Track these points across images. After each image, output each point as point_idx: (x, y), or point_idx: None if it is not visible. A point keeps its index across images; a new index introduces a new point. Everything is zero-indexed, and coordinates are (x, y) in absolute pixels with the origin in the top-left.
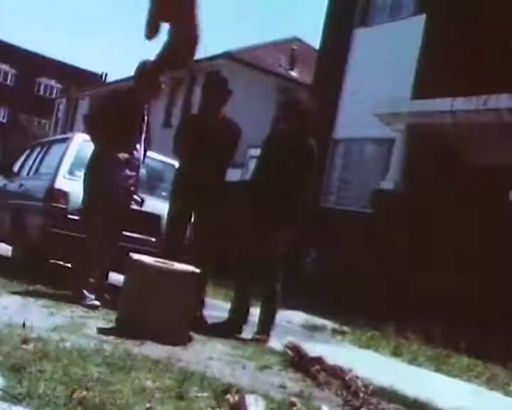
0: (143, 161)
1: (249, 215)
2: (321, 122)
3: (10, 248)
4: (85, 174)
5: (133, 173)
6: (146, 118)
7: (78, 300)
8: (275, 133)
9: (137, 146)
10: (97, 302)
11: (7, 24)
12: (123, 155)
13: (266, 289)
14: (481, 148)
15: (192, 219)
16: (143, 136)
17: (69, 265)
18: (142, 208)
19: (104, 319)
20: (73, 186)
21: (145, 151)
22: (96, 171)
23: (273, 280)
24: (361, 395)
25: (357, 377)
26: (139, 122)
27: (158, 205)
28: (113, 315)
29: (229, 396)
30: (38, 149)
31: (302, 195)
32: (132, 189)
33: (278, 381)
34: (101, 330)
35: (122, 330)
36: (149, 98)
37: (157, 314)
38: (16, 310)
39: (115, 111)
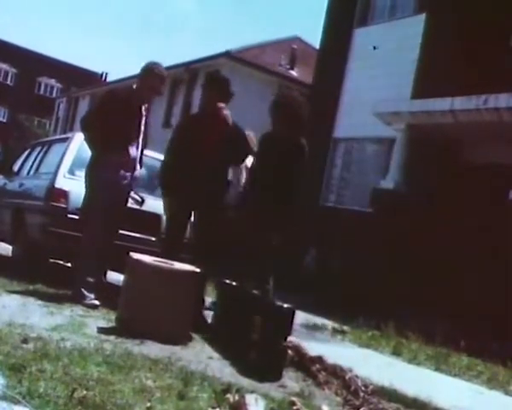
0: (140, 161)
1: (242, 215)
2: (321, 122)
3: (10, 247)
4: (85, 176)
5: (128, 174)
6: (144, 118)
7: (78, 299)
8: (267, 133)
9: (134, 146)
10: (97, 302)
11: (7, 23)
12: (118, 156)
13: (259, 287)
14: (481, 147)
15: (192, 218)
16: (141, 136)
17: (69, 264)
18: (142, 208)
19: (104, 318)
20: (73, 186)
21: (142, 151)
22: (92, 172)
23: (266, 278)
24: (361, 394)
25: (357, 377)
26: (136, 122)
27: (158, 204)
28: (113, 315)
29: (229, 396)
30: (39, 149)
31: (293, 194)
32: (127, 189)
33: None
34: (102, 330)
35: (122, 329)
36: (151, 97)
37: (157, 314)
38: (16, 309)
39: (111, 112)
